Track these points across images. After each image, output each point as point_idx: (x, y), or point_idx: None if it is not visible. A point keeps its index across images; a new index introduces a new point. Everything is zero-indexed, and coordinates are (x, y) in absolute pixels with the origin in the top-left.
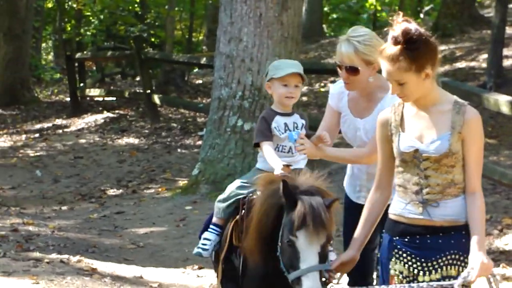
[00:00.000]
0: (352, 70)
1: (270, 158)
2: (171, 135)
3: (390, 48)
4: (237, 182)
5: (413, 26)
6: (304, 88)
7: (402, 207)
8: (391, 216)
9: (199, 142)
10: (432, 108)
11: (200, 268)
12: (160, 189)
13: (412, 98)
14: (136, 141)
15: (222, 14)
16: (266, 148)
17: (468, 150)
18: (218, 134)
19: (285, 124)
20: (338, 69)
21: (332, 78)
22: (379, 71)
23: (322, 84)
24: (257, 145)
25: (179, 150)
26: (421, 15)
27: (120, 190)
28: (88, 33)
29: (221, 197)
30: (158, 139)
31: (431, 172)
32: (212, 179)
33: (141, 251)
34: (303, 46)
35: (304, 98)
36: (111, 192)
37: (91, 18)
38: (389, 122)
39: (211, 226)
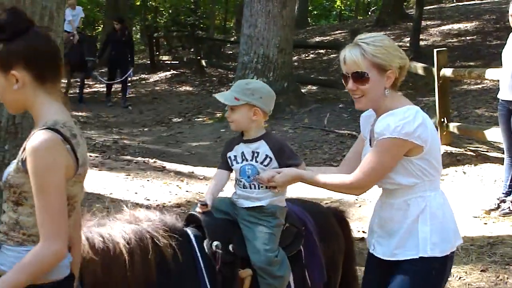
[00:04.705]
0: (360, 76)
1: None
2: None
3: None
4: None
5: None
6: None
7: None
8: None
9: None
10: None
11: None
12: None
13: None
14: None
15: None
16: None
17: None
18: None
19: (242, 154)
20: (344, 82)
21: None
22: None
23: None
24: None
25: None
26: (369, 12)
27: None
28: None
29: None
30: None
31: (7, 204)
32: None
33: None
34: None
35: None
36: None
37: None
38: None
39: None
